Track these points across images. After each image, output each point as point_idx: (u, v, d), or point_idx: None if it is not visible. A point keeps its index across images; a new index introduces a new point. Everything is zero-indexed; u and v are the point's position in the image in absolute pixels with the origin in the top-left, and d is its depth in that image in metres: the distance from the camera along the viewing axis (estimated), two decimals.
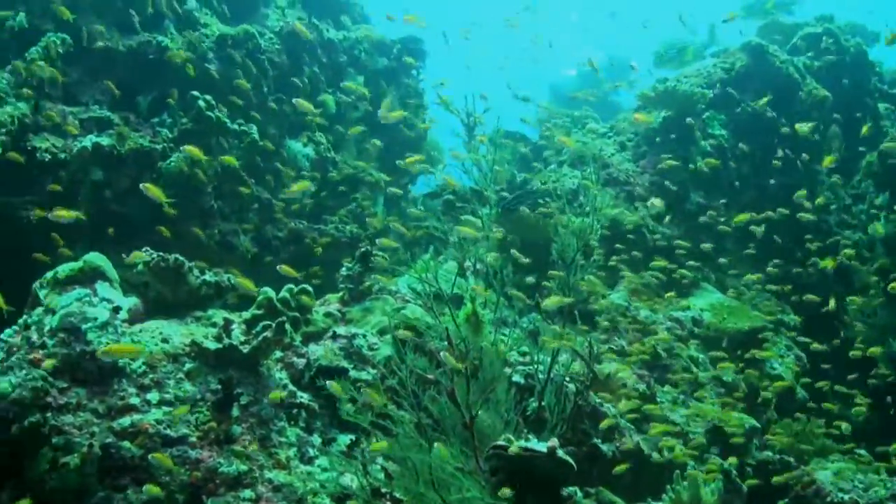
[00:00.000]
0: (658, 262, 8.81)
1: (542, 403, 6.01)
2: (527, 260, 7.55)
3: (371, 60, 12.34)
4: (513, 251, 7.46)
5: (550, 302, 6.10)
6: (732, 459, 7.07)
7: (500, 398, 5.45)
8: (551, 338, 6.06)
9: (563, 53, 18.96)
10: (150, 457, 5.16)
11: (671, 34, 15.43)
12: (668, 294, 9.03)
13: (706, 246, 9.39)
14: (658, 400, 7.55)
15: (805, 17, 13.89)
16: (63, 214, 6.44)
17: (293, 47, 10.96)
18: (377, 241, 8.15)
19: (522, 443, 4.86)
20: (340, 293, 7.13)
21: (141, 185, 6.99)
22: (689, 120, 10.53)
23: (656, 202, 9.44)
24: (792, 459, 7.61)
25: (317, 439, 5.73)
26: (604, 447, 6.50)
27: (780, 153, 10.41)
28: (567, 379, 6.26)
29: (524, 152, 12.49)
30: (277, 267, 6.89)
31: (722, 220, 9.98)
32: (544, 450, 4.85)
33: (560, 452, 4.89)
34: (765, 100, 10.91)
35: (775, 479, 7.14)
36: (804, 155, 10.69)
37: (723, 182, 10.74)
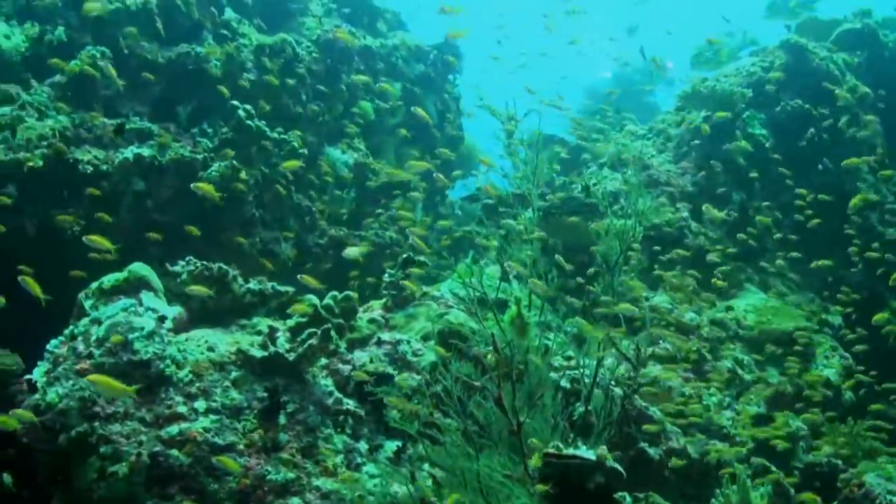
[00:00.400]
0: (686, 257, 8.74)
1: (589, 408, 5.96)
2: (570, 266, 7.51)
3: (408, 67, 12.36)
4: (556, 256, 7.42)
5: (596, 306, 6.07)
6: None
7: (546, 403, 5.41)
8: (596, 342, 6.01)
9: (590, 55, 18.87)
10: (214, 460, 5.20)
11: (706, 36, 15.30)
12: (712, 294, 8.95)
13: (742, 236, 9.29)
14: (704, 402, 7.48)
15: (834, 14, 13.69)
16: (95, 239, 6.47)
17: (330, 55, 10.98)
18: (410, 237, 8.16)
19: (571, 450, 4.82)
20: (384, 299, 7.12)
21: (192, 185, 7.08)
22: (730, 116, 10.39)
23: (714, 212, 9.34)
24: (840, 462, 7.51)
25: (363, 446, 5.72)
26: (651, 451, 6.45)
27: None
28: (613, 383, 6.21)
29: (562, 155, 12.44)
30: (298, 276, 6.89)
31: (767, 219, 9.90)
32: (593, 458, 4.80)
33: (609, 460, 4.84)
34: (817, 114, 10.76)
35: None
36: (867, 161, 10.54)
37: (763, 181, 10.62)
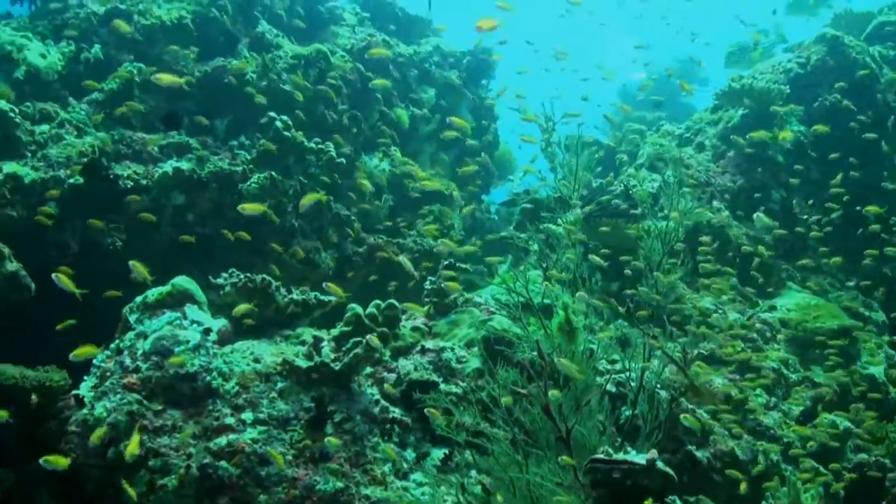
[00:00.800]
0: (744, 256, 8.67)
1: (636, 412, 5.91)
2: (610, 267, 7.46)
3: (441, 73, 12.36)
4: (591, 256, 7.36)
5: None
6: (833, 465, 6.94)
7: (593, 408, 5.37)
8: (641, 345, 5.97)
9: (616, 56, 18.82)
10: (265, 450, 5.24)
11: (737, 36, 15.22)
12: (754, 293, 8.88)
13: (772, 229, 9.19)
14: (750, 404, 7.41)
15: (865, 7, 13.55)
16: (136, 266, 6.52)
17: (365, 64, 11.00)
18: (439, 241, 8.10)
19: (621, 455, 4.78)
20: (426, 307, 7.11)
21: (239, 207, 7.15)
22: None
23: (763, 218, 9.23)
24: (888, 461, 7.41)
25: (410, 454, 5.72)
26: (698, 454, 6.39)
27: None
28: (658, 386, 6.16)
29: (598, 156, 12.37)
30: (324, 284, 6.90)
31: (805, 217, 9.80)
32: (643, 462, 4.76)
33: (660, 464, 4.80)
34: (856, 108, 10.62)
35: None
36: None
37: (802, 178, 10.50)
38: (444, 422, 5.32)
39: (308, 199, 7.95)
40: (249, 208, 7.17)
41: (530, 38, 14.48)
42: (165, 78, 7.19)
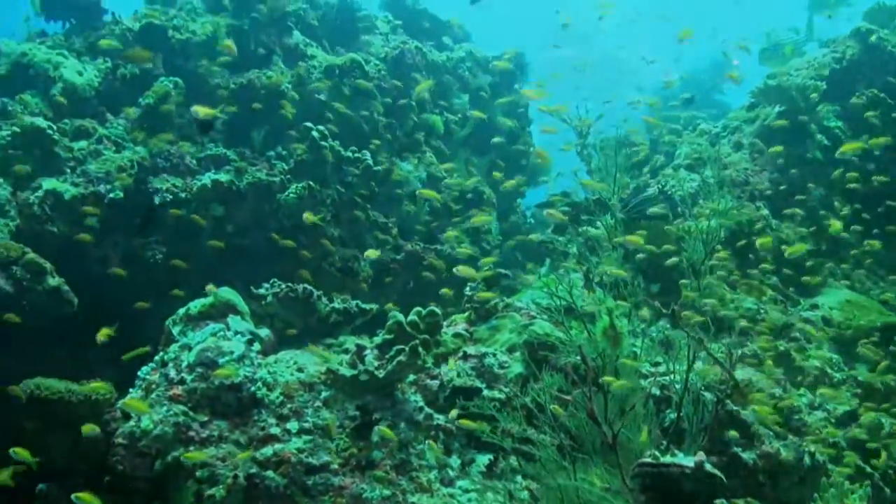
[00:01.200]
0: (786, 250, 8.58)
1: (681, 414, 5.87)
2: (626, 274, 7.41)
3: (474, 78, 12.36)
4: (611, 269, 7.31)
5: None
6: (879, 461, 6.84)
7: (638, 412, 5.34)
8: (686, 347, 5.92)
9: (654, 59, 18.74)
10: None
11: (773, 33, 15.10)
12: (796, 292, 8.80)
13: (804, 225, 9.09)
14: (795, 404, 7.33)
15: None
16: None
17: (399, 72, 11.04)
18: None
19: (669, 458, 4.75)
20: (466, 313, 7.09)
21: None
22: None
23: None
24: None
25: (456, 461, 5.70)
26: (744, 456, 6.33)
27: None
28: (703, 388, 6.11)
29: (634, 158, 12.30)
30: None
31: (844, 214, 9.70)
32: (692, 464, 4.73)
33: (708, 466, 4.76)
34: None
35: None
36: None
37: (842, 175, 10.38)
38: (489, 428, 5.31)
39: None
40: (311, 218, 7.27)
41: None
42: (202, 110, 7.25)
